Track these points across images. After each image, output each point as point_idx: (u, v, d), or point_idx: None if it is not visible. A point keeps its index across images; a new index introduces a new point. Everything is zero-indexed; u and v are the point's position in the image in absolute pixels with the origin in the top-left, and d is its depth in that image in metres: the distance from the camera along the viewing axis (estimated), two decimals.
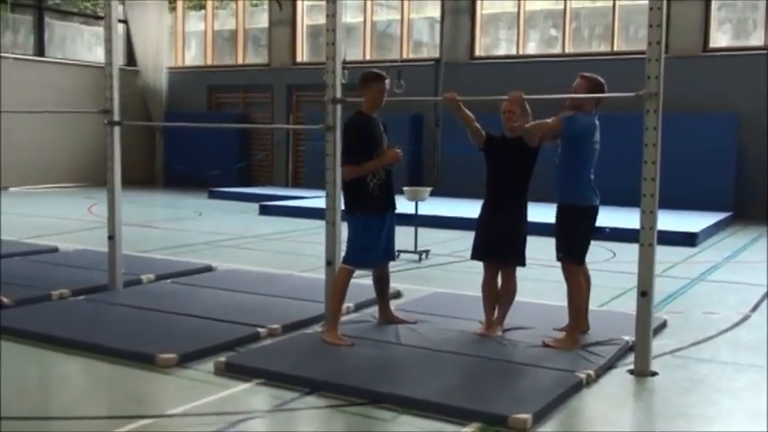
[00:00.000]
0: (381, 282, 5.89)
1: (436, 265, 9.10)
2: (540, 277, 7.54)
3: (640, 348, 4.96)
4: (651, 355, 4.98)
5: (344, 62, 15.29)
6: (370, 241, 5.52)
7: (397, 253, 9.35)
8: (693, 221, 11.88)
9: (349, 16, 19.78)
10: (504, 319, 5.73)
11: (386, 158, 5.51)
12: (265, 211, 14.04)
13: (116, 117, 6.97)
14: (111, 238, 7.09)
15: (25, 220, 12.71)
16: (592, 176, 5.47)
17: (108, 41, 6.95)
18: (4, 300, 6.22)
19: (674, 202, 13.28)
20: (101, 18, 22.70)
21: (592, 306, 6.62)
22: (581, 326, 5.53)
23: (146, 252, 9.32)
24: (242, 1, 20.88)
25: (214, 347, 5.21)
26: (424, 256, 9.39)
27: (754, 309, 6.93)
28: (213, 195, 17.16)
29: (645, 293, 4.94)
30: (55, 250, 9.19)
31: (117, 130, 7.03)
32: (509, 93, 5.47)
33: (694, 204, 13.66)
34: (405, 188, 9.45)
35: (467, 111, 5.67)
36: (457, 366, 4.91)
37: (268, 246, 10.56)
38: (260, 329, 5.66)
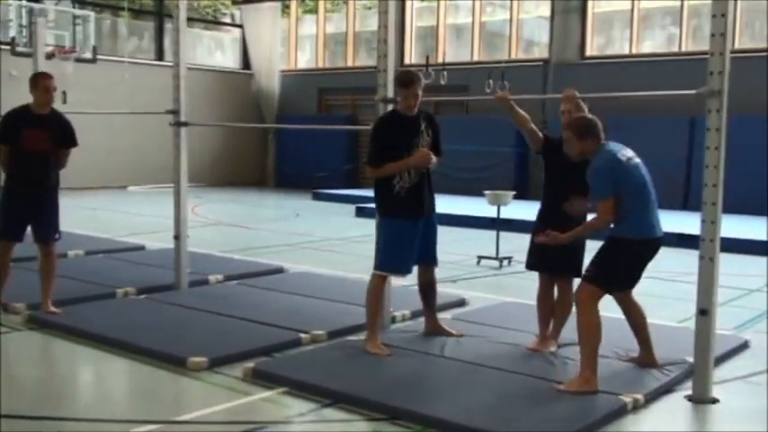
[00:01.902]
0: (426, 290, 5.64)
1: (517, 272, 8.71)
2: None
3: (699, 372, 4.49)
4: (711, 379, 4.50)
5: (444, 63, 15.15)
6: (400, 246, 5.27)
7: (477, 259, 9.15)
8: None
9: (461, 17, 19.57)
10: (558, 333, 5.36)
11: (410, 160, 5.19)
12: (361, 213, 13.96)
13: (182, 118, 7.00)
14: (177, 237, 7.13)
15: (128, 218, 13.18)
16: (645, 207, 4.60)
17: (176, 43, 6.99)
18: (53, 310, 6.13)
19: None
20: (220, 23, 23.42)
21: (669, 322, 6.17)
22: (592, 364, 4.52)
23: (227, 252, 9.39)
24: (353, 2, 20.99)
25: (249, 352, 5.08)
26: (506, 263, 9.03)
27: None
28: (317, 197, 17.28)
29: (705, 312, 4.46)
30: (141, 248, 9.39)
31: (184, 131, 7.06)
32: (564, 91, 5.10)
33: None
34: (486, 192, 9.13)
35: (521, 111, 5.36)
36: (493, 383, 4.59)
37: (351, 248, 10.44)
38: (303, 335, 5.52)
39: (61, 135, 6.12)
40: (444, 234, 10.74)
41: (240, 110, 21.14)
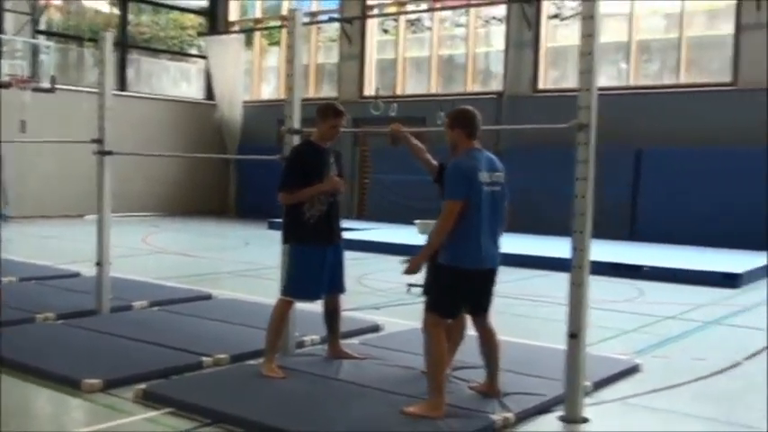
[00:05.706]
0: (331, 315, 5.79)
1: None
2: (526, 314, 7.25)
3: (569, 393, 4.66)
4: (582, 399, 4.67)
5: (394, 95, 15.38)
6: (308, 273, 5.43)
7: (408, 287, 9.30)
8: (737, 261, 11.26)
9: (424, 50, 19.91)
10: (452, 357, 5.51)
11: (322, 186, 5.42)
12: None
13: (106, 147, 7.16)
14: (99, 264, 7.25)
15: (76, 246, 13.20)
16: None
17: (101, 73, 7.19)
18: None
19: (715, 240, 13.21)
20: (186, 54, 23.65)
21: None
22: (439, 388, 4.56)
23: (164, 279, 9.50)
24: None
25: (146, 374, 5.20)
26: None
27: (752, 356, 6.43)
28: (272, 226, 17.38)
29: (575, 335, 4.65)
30: (76, 275, 9.45)
31: (107, 159, 7.22)
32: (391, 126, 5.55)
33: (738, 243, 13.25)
34: (416, 221, 9.31)
35: (416, 141, 5.57)
36: (374, 405, 4.72)
37: None
38: (205, 358, 5.64)
39: None
40: (383, 263, 11.03)
41: (204, 139, 21.31)
